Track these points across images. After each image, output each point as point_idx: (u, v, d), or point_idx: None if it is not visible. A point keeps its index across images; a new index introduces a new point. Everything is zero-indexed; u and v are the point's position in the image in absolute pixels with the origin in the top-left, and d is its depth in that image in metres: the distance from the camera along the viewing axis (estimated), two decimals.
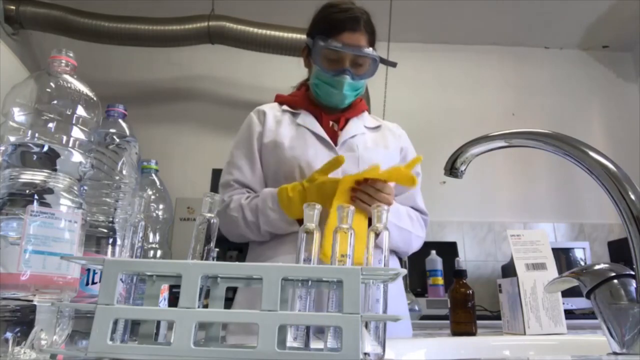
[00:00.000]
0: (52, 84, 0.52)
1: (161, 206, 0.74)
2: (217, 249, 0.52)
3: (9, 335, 0.43)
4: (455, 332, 0.91)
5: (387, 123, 1.26)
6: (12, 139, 0.49)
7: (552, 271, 0.93)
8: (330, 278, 0.43)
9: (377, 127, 1.22)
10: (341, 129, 1.15)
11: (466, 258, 2.81)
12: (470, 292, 0.93)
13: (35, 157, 0.49)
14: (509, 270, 2.57)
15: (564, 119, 3.10)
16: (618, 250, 2.66)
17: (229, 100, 3.05)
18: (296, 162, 1.07)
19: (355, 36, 1.08)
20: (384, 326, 0.46)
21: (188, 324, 0.38)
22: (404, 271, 0.43)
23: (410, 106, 3.02)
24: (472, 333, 0.90)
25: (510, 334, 0.93)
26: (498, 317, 1.03)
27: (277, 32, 2.65)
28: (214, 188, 1.15)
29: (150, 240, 0.73)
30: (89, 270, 0.55)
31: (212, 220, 0.50)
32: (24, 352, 0.44)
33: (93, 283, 0.55)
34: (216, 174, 2.47)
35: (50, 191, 0.48)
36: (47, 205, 0.47)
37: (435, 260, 2.43)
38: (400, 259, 1.25)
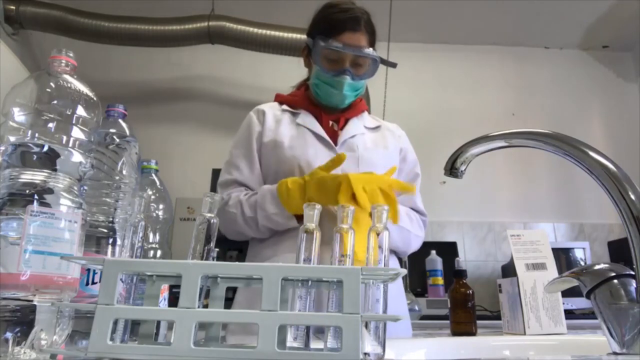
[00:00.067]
0: (52, 84, 0.52)
1: (161, 206, 0.74)
2: (217, 249, 0.52)
3: (9, 335, 0.43)
4: (455, 332, 0.91)
5: (387, 123, 1.26)
6: (12, 139, 0.49)
7: (552, 271, 0.93)
8: (330, 278, 0.43)
9: (377, 128, 1.22)
10: (341, 129, 1.15)
11: (466, 258, 2.81)
12: (470, 292, 0.93)
13: (35, 157, 0.49)
14: (509, 270, 2.57)
15: (564, 119, 3.10)
16: (618, 250, 2.66)
17: (229, 100, 3.05)
18: (296, 162, 1.07)
19: (356, 36, 1.08)
20: (384, 326, 0.46)
21: (188, 324, 0.38)
22: (404, 271, 0.43)
23: (410, 106, 3.02)
24: (472, 333, 0.90)
25: (510, 334, 0.93)
26: (498, 317, 1.03)
27: (277, 32, 2.65)
28: (214, 188, 1.15)
29: (150, 240, 0.73)
30: (89, 270, 0.55)
31: (212, 220, 0.50)
32: (24, 352, 0.44)
33: (93, 283, 0.55)
34: (216, 174, 2.47)
35: (50, 191, 0.48)
36: (47, 205, 0.47)
37: (435, 260, 2.43)
38: (400, 259, 1.24)
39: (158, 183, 0.76)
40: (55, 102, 0.51)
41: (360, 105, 1.21)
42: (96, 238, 0.57)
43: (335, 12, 1.10)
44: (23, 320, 0.44)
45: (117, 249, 0.58)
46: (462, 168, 0.67)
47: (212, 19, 2.65)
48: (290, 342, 0.43)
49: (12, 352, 0.43)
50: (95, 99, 0.55)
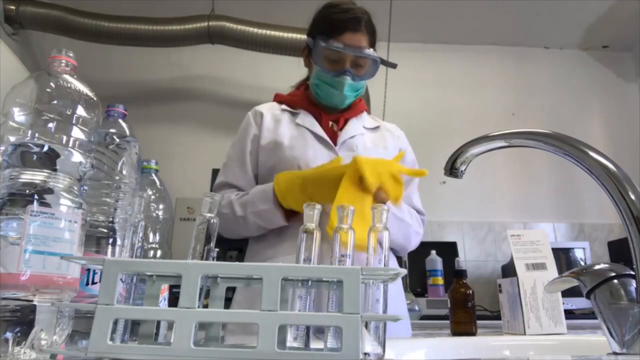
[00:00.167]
0: (52, 84, 0.52)
1: (161, 206, 0.74)
2: (217, 249, 0.52)
3: (9, 335, 0.43)
4: (455, 332, 0.91)
5: (386, 124, 1.26)
6: (12, 139, 0.49)
7: (552, 271, 0.93)
8: (330, 278, 0.43)
9: (376, 128, 1.22)
10: (340, 129, 1.16)
11: (466, 258, 2.81)
12: (470, 292, 0.93)
13: (35, 157, 0.49)
14: (509, 270, 2.57)
15: (564, 119, 3.10)
16: (618, 250, 2.66)
17: (229, 100, 3.05)
18: (295, 162, 1.07)
19: (357, 37, 1.08)
20: (384, 326, 0.46)
21: (188, 324, 0.38)
22: (404, 271, 0.43)
23: (410, 106, 3.02)
24: (472, 333, 0.90)
25: (510, 334, 0.93)
26: (498, 317, 1.03)
27: (277, 32, 2.65)
28: (212, 188, 1.16)
29: (150, 240, 0.73)
30: (89, 270, 0.55)
31: (212, 220, 0.50)
32: (24, 352, 0.44)
33: (93, 283, 0.55)
34: (216, 174, 2.46)
35: (50, 191, 0.48)
36: (47, 205, 0.47)
37: (435, 260, 2.43)
38: (400, 259, 1.25)
39: (158, 183, 0.76)
40: (55, 102, 0.51)
41: (359, 106, 1.21)
42: (96, 238, 0.57)
43: (335, 13, 1.10)
44: (23, 320, 0.44)
45: (117, 249, 0.58)
46: (462, 168, 0.67)
47: (212, 19, 2.65)
48: (290, 342, 0.43)
49: (12, 352, 0.43)
50: (95, 99, 0.55)
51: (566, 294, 0.79)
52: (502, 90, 3.18)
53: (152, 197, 0.74)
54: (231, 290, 0.61)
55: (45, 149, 0.49)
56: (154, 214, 0.73)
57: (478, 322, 0.92)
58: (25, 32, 2.73)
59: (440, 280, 2.39)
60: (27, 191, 0.47)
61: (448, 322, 0.94)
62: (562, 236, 2.92)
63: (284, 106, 1.19)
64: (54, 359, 0.40)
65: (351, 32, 1.08)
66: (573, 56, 3.30)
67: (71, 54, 0.55)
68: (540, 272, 0.93)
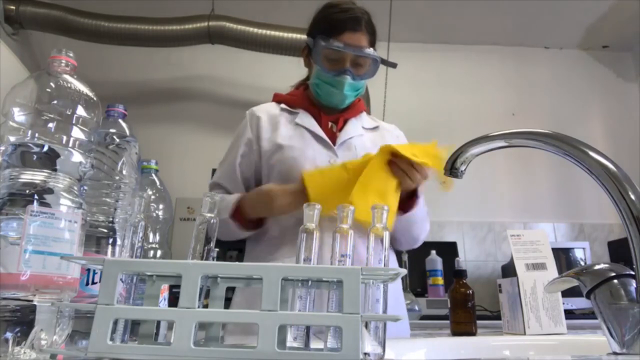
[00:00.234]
0: (52, 84, 0.52)
1: (161, 206, 0.74)
2: (217, 249, 0.52)
3: (9, 335, 0.43)
4: (455, 332, 0.91)
5: (385, 124, 1.26)
6: (12, 139, 0.49)
7: (552, 271, 0.93)
8: (330, 278, 0.43)
9: (375, 128, 1.22)
10: (340, 130, 1.16)
11: (466, 258, 2.81)
12: (470, 292, 0.93)
13: (35, 157, 0.49)
14: (509, 270, 2.57)
15: (564, 119, 3.10)
16: (618, 250, 2.66)
17: (229, 100, 3.05)
18: (295, 162, 1.07)
19: (357, 36, 1.08)
20: (384, 326, 0.46)
21: (188, 324, 0.38)
22: (404, 271, 0.43)
23: (410, 106, 3.02)
24: (472, 333, 0.90)
25: (510, 334, 0.93)
26: (498, 317, 1.03)
27: (277, 32, 2.65)
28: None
29: (150, 240, 0.73)
30: (89, 270, 0.55)
31: (212, 220, 0.50)
32: (24, 352, 0.43)
33: (93, 283, 0.55)
34: None
35: (50, 191, 0.48)
36: (47, 205, 0.47)
37: (435, 260, 2.43)
38: (400, 259, 1.25)
39: (158, 183, 0.76)
40: (55, 102, 0.51)
41: (359, 106, 1.21)
42: (96, 238, 0.57)
43: (335, 12, 1.10)
44: (23, 320, 0.44)
45: (117, 249, 0.58)
46: (462, 168, 0.67)
47: (212, 19, 2.65)
48: (290, 342, 0.43)
49: (12, 352, 0.43)
50: (95, 99, 0.55)
51: (566, 294, 0.79)
52: (502, 90, 3.18)
53: (152, 197, 0.74)
54: (231, 290, 0.61)
55: (45, 149, 0.49)
56: (154, 214, 0.73)
57: (478, 322, 0.92)
58: (25, 32, 2.73)
59: (440, 280, 2.39)
60: (27, 191, 0.47)
61: (448, 322, 0.94)
62: (562, 236, 2.92)
63: (282, 105, 1.19)
64: (54, 359, 0.40)
65: (351, 32, 1.08)
66: (573, 56, 3.30)
67: (71, 54, 0.55)
68: (540, 272, 0.93)
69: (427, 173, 0.98)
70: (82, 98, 0.53)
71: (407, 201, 1.06)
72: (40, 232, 0.46)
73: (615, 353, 0.52)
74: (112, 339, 0.38)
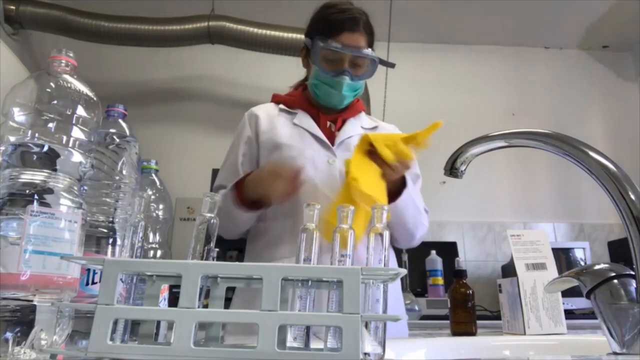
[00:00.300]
0: (52, 84, 0.52)
1: (161, 206, 0.74)
2: (217, 249, 0.52)
3: (9, 335, 0.43)
4: (455, 332, 0.91)
5: (384, 124, 1.26)
6: (12, 139, 0.49)
7: (552, 271, 0.93)
8: (330, 278, 0.43)
9: (374, 128, 1.22)
10: (338, 130, 1.16)
11: (466, 258, 2.81)
12: (470, 292, 0.93)
13: (35, 157, 0.49)
14: (509, 270, 2.57)
15: (564, 119, 3.10)
16: (618, 250, 2.66)
17: (229, 100, 3.05)
18: (293, 162, 1.07)
19: (354, 37, 1.08)
20: (384, 326, 0.46)
21: (188, 324, 0.38)
22: (404, 271, 0.43)
23: (410, 106, 3.02)
24: (472, 333, 0.90)
25: (510, 334, 0.93)
26: (498, 317, 1.03)
27: (277, 32, 2.65)
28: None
29: (150, 240, 0.73)
30: (89, 270, 0.55)
31: (212, 220, 0.50)
32: (24, 352, 0.43)
33: (93, 283, 0.55)
34: (216, 174, 2.47)
35: (50, 191, 0.48)
36: (47, 205, 0.47)
37: (435, 260, 2.43)
38: (400, 259, 1.25)
39: (158, 183, 0.76)
40: (55, 102, 0.51)
41: (357, 106, 1.21)
42: (96, 238, 0.57)
43: (333, 13, 1.10)
44: (23, 320, 0.44)
45: (117, 249, 0.58)
46: (462, 168, 0.67)
47: (212, 19, 2.65)
48: (290, 342, 0.43)
49: (12, 352, 0.43)
50: (95, 99, 0.55)
51: (566, 294, 0.79)
52: (502, 90, 3.18)
53: (152, 197, 0.74)
54: (231, 290, 0.61)
55: (45, 149, 0.49)
56: (154, 214, 0.73)
57: (478, 322, 0.92)
58: (25, 32, 2.73)
59: (440, 280, 2.38)
60: (27, 191, 0.47)
61: (448, 322, 0.94)
62: (562, 236, 2.92)
63: (281, 106, 1.19)
64: (54, 359, 0.40)
65: (349, 32, 1.08)
66: (573, 56, 3.30)
67: (71, 54, 0.55)
68: (540, 272, 0.93)
69: (409, 163, 0.97)
70: (82, 98, 0.53)
71: (394, 191, 1.04)
72: (40, 232, 0.46)
73: (615, 353, 0.52)
74: (112, 339, 0.38)
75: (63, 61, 0.54)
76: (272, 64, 2.81)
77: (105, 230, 0.58)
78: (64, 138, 0.51)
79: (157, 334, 0.45)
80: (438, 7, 2.88)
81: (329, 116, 1.17)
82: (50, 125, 0.50)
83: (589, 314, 2.07)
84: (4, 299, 0.44)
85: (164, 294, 0.64)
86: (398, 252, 2.15)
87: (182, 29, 2.65)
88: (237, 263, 0.42)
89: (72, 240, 0.49)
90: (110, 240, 0.58)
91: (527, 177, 3.01)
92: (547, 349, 0.83)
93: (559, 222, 2.95)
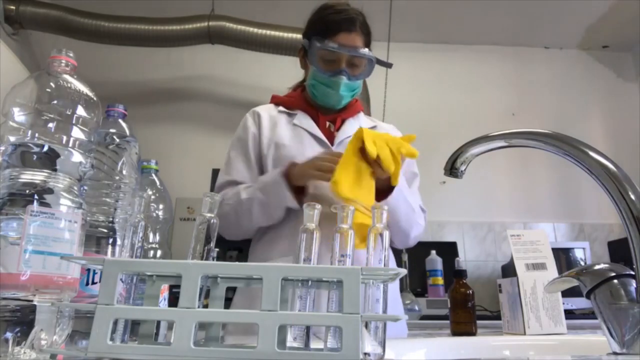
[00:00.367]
0: (52, 84, 0.52)
1: (161, 206, 0.74)
2: (217, 249, 0.52)
3: (9, 335, 0.43)
4: (455, 332, 0.91)
5: (383, 124, 1.26)
6: (12, 139, 0.49)
7: (552, 271, 0.93)
8: (330, 278, 0.43)
9: (373, 128, 1.22)
10: (337, 130, 1.16)
11: (466, 258, 2.81)
12: (470, 292, 0.93)
13: (35, 157, 0.49)
14: (509, 270, 2.57)
15: (564, 119, 3.10)
16: (618, 250, 2.66)
17: (229, 100, 3.05)
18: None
19: (351, 37, 1.09)
20: (383, 326, 0.46)
21: (188, 324, 0.38)
22: (404, 271, 0.43)
23: (410, 106, 3.02)
24: (472, 333, 0.90)
25: (510, 334, 0.93)
26: (498, 317, 1.03)
27: (276, 32, 2.65)
28: (214, 188, 1.15)
29: (150, 240, 0.73)
30: (89, 270, 0.55)
31: (212, 220, 0.50)
32: (24, 352, 0.43)
33: (93, 283, 0.55)
34: (216, 174, 2.47)
35: (50, 191, 0.48)
36: (47, 205, 0.47)
37: (435, 260, 2.43)
38: (400, 259, 1.24)
39: (158, 183, 0.76)
40: (55, 102, 0.51)
41: (356, 106, 1.22)
42: (96, 238, 0.57)
43: (330, 14, 1.11)
44: (23, 320, 0.44)
45: (117, 249, 0.58)
46: (462, 168, 0.67)
47: (212, 19, 2.65)
48: (290, 342, 0.43)
49: (12, 352, 0.43)
50: (95, 99, 0.55)
51: (566, 294, 0.79)
52: (502, 90, 3.18)
53: (152, 197, 0.74)
54: (231, 290, 0.60)
55: (45, 149, 0.49)
56: (154, 214, 0.73)
57: (478, 322, 0.92)
58: (25, 32, 2.73)
59: (440, 280, 2.38)
60: (27, 191, 0.47)
61: (448, 322, 0.94)
62: (562, 236, 2.92)
63: (280, 107, 1.20)
64: (54, 359, 0.40)
65: (346, 32, 1.08)
66: (573, 56, 3.30)
67: (71, 54, 0.55)
68: (540, 272, 0.93)
69: (399, 162, 0.97)
70: (82, 98, 0.53)
71: (386, 189, 1.03)
72: (40, 232, 0.46)
73: (615, 353, 0.52)
74: (112, 339, 0.38)
75: (63, 61, 0.54)
76: (272, 64, 2.81)
77: (105, 230, 0.57)
78: (64, 138, 0.51)
79: (157, 334, 0.45)
80: (438, 7, 2.88)
81: (328, 116, 1.17)
82: (50, 125, 0.50)
83: (589, 314, 2.07)
84: (4, 299, 0.44)
85: (164, 294, 0.64)
86: (398, 252, 2.16)
87: (182, 29, 2.65)
88: (237, 263, 0.42)
89: (72, 240, 0.49)
90: (110, 240, 0.58)
91: (527, 177, 3.01)
92: (547, 349, 0.83)
93: (559, 222, 2.95)
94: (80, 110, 0.52)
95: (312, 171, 0.97)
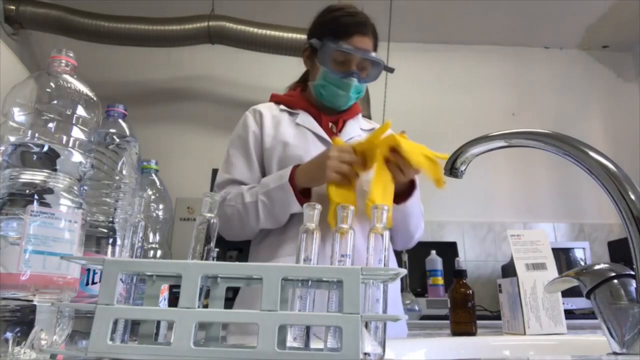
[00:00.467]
0: (52, 84, 0.52)
1: (161, 206, 0.74)
2: (217, 249, 0.52)
3: (9, 335, 0.43)
4: (455, 332, 0.91)
5: (377, 125, 1.27)
6: (12, 139, 0.49)
7: (552, 271, 0.93)
8: (330, 278, 0.43)
9: (372, 129, 1.22)
10: (339, 131, 1.16)
11: (466, 258, 2.81)
12: (470, 292, 0.93)
13: (35, 157, 0.49)
14: (509, 270, 2.57)
15: (564, 119, 3.10)
16: (618, 250, 2.66)
17: (229, 100, 3.05)
18: (300, 161, 1.07)
19: (365, 40, 1.10)
20: (383, 326, 0.46)
21: (188, 324, 0.38)
22: (404, 271, 0.43)
23: (410, 106, 3.02)
24: (472, 333, 0.90)
25: (510, 334, 0.93)
26: (498, 317, 1.03)
27: (276, 32, 2.65)
28: (214, 186, 1.15)
29: (150, 240, 0.73)
30: (89, 270, 0.55)
31: (212, 220, 0.50)
32: (24, 352, 0.43)
33: (93, 283, 0.55)
34: (216, 173, 2.46)
35: (50, 191, 0.48)
36: (47, 205, 0.47)
37: (435, 260, 2.43)
38: (399, 259, 1.25)
39: (158, 183, 0.76)
40: (55, 102, 0.51)
41: (355, 108, 1.22)
42: (96, 238, 0.57)
43: (343, 15, 1.11)
44: (23, 320, 0.44)
45: (117, 249, 0.58)
46: (462, 168, 0.67)
47: (212, 19, 2.65)
48: (290, 342, 0.43)
49: (12, 352, 0.43)
50: (95, 99, 0.55)
51: (566, 294, 0.79)
52: (502, 90, 3.18)
53: (152, 197, 0.74)
54: (231, 290, 0.60)
55: (45, 149, 0.49)
56: (154, 214, 0.73)
57: (478, 322, 0.92)
58: (25, 32, 2.73)
59: (440, 280, 2.38)
60: (27, 191, 0.47)
61: (448, 322, 0.94)
62: (562, 236, 2.92)
63: (282, 106, 1.19)
64: (54, 359, 0.40)
65: (360, 35, 1.09)
66: (573, 56, 3.30)
67: (71, 54, 0.55)
68: (540, 272, 0.93)
69: (419, 168, 0.98)
70: (82, 98, 0.53)
71: (404, 192, 1.05)
72: (40, 232, 0.46)
73: (615, 353, 0.52)
74: (112, 339, 0.38)
75: (63, 61, 0.54)
76: (272, 64, 2.81)
77: (105, 230, 0.57)
78: (64, 138, 0.51)
79: (157, 334, 0.45)
80: (438, 7, 2.88)
81: (331, 117, 1.17)
82: (50, 125, 0.50)
83: (589, 314, 2.07)
84: (4, 299, 0.44)
85: (164, 294, 0.64)
86: (398, 252, 2.16)
87: (182, 29, 2.65)
88: (237, 263, 0.42)
89: (72, 240, 0.49)
90: (110, 240, 0.58)
91: (527, 177, 3.01)
92: (547, 349, 0.83)
93: (559, 222, 2.95)
94: (80, 110, 0.52)
95: (332, 174, 0.94)
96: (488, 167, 2.88)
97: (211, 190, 1.08)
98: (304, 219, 0.49)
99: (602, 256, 2.82)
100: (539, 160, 2.98)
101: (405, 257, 2.23)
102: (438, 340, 0.85)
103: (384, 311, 0.46)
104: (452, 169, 0.67)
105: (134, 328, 0.44)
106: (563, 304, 0.91)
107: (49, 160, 0.49)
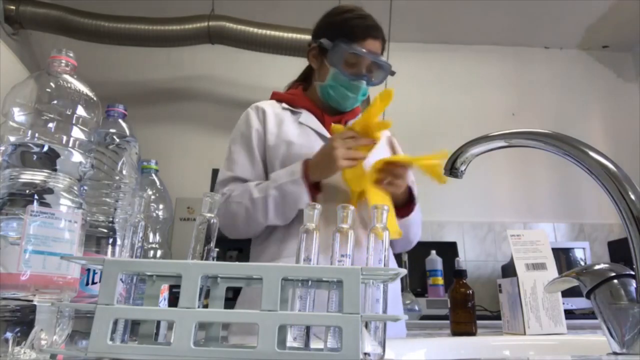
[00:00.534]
0: (52, 84, 0.52)
1: (161, 206, 0.74)
2: (217, 249, 0.52)
3: (9, 335, 0.43)
4: (455, 332, 0.91)
5: None
6: (12, 139, 0.49)
7: (552, 271, 0.93)
8: (330, 278, 0.43)
9: None
10: None
11: (466, 258, 2.81)
12: (470, 292, 0.93)
13: (35, 157, 0.49)
14: (509, 270, 2.57)
15: (564, 119, 3.10)
16: (618, 250, 2.66)
17: (229, 100, 3.05)
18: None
19: (376, 44, 1.11)
20: (383, 326, 0.46)
21: (188, 324, 0.38)
22: (404, 271, 0.43)
23: (410, 106, 3.02)
24: (472, 333, 0.90)
25: (510, 334, 0.93)
26: (498, 317, 1.03)
27: (276, 32, 2.65)
28: (214, 188, 1.14)
29: (150, 240, 0.73)
30: (89, 270, 0.55)
31: (212, 220, 0.50)
32: (24, 352, 0.43)
33: (93, 283, 0.55)
34: (216, 174, 2.46)
35: (50, 191, 0.48)
36: (47, 205, 0.47)
37: (435, 260, 2.43)
38: (400, 259, 1.27)
39: (158, 183, 0.76)
40: (55, 102, 0.51)
41: (356, 108, 1.22)
42: (96, 238, 0.57)
43: (355, 18, 1.11)
44: (23, 320, 0.44)
45: (117, 249, 0.58)
46: (462, 168, 0.67)
47: (212, 19, 2.65)
48: (290, 342, 0.43)
49: (12, 352, 0.43)
50: (95, 99, 0.55)
51: (566, 294, 0.79)
52: (502, 90, 3.18)
53: (152, 197, 0.74)
54: (231, 290, 0.60)
55: (45, 149, 0.49)
56: (154, 214, 0.73)
57: (478, 322, 0.92)
58: (25, 32, 2.73)
59: (440, 280, 2.38)
60: (27, 191, 0.47)
61: (448, 322, 0.94)
62: (562, 236, 2.92)
63: (284, 104, 1.19)
64: (54, 359, 0.40)
65: (372, 39, 1.10)
66: (573, 56, 3.30)
67: (71, 54, 0.55)
68: (540, 272, 0.93)
69: (410, 176, 1.03)
70: (82, 98, 0.53)
71: (405, 206, 1.09)
72: (40, 232, 0.46)
73: (615, 353, 0.52)
74: (112, 339, 0.38)
75: (63, 61, 0.54)
76: (272, 64, 2.81)
77: (105, 230, 0.57)
78: (64, 138, 0.51)
79: (157, 334, 0.45)
80: (438, 7, 2.88)
81: (333, 117, 1.17)
82: (50, 125, 0.50)
83: (589, 314, 2.07)
84: (4, 299, 0.44)
85: (164, 294, 0.64)
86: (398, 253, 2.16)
87: (182, 29, 2.65)
88: (237, 263, 0.42)
89: (72, 240, 0.49)
90: (110, 240, 0.58)
91: (527, 177, 3.01)
92: (547, 349, 0.83)
93: (559, 222, 2.95)
94: (80, 110, 0.52)
95: (343, 162, 0.96)
96: (488, 167, 2.88)
97: (211, 189, 1.08)
98: (304, 219, 0.49)
99: (602, 256, 2.82)
100: (539, 160, 2.98)
101: (405, 257, 2.23)
102: (438, 340, 0.85)
103: (384, 311, 0.46)
104: (452, 169, 0.67)
105: (134, 328, 0.44)
106: (563, 304, 0.91)
107: (49, 160, 0.49)
